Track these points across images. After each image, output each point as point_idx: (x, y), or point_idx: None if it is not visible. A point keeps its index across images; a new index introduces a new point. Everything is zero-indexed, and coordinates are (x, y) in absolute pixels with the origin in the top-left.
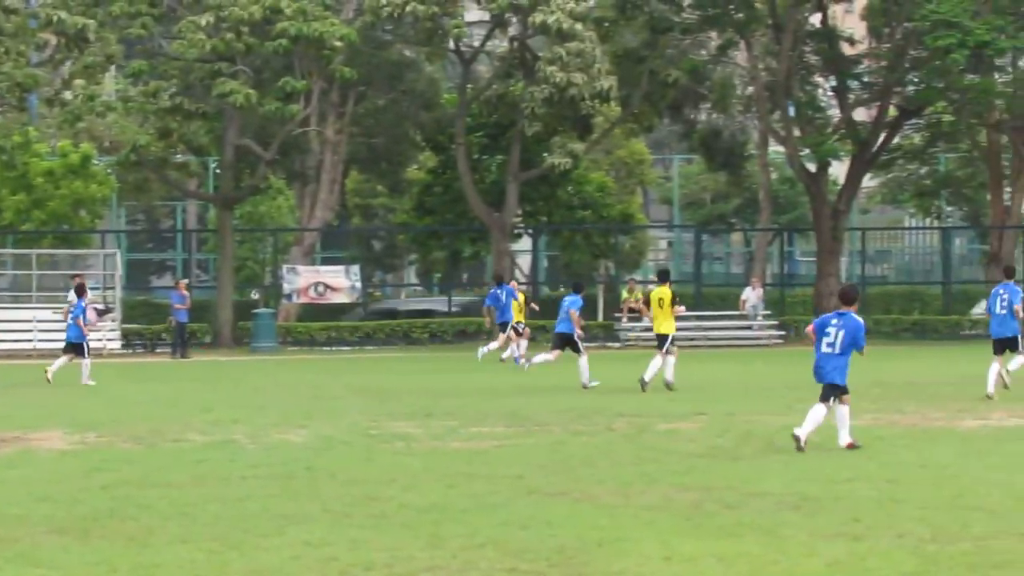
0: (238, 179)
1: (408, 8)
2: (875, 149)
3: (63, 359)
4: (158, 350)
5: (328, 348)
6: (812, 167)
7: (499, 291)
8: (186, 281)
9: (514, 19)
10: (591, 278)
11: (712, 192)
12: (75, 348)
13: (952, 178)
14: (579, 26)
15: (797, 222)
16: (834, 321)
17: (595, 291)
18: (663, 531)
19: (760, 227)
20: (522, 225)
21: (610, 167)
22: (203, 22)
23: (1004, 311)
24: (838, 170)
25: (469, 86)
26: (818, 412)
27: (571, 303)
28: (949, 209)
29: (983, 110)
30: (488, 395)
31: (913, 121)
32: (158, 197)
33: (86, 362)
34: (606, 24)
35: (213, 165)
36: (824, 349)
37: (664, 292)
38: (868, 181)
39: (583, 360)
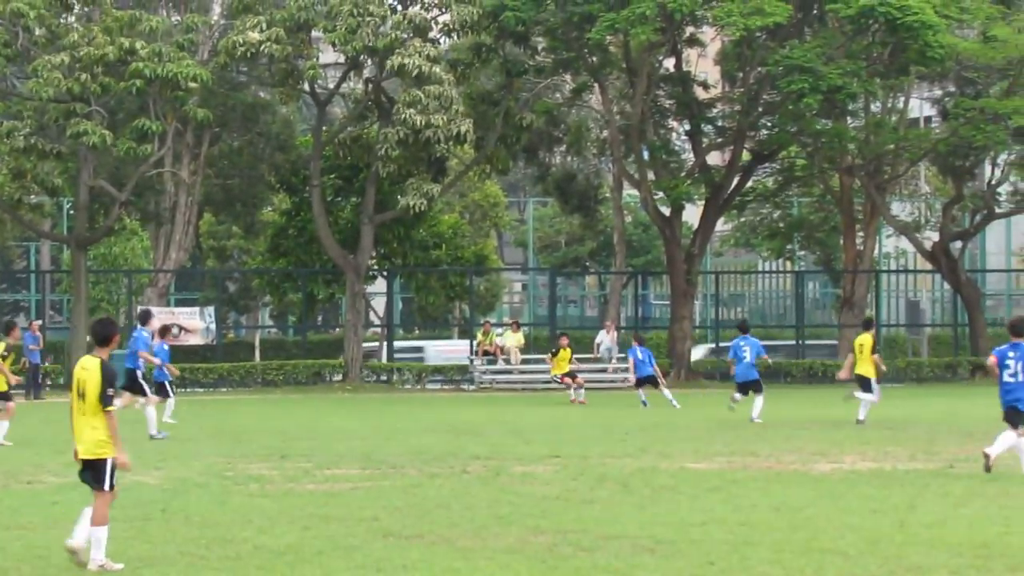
0: (92, 220)
1: (263, 49)
2: (729, 192)
3: None
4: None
5: (183, 390)
6: (666, 210)
7: None
8: (39, 322)
9: (369, 61)
10: (446, 320)
11: (567, 235)
12: None
13: (805, 222)
14: (437, 68)
15: (651, 265)
16: (1011, 353)
17: (450, 333)
18: (518, 574)
19: (615, 270)
20: (376, 267)
21: (464, 209)
22: (58, 61)
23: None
24: (692, 213)
25: (324, 128)
26: (1008, 438)
27: None
28: (802, 253)
29: (836, 154)
30: (343, 437)
31: (766, 165)
32: (11, 237)
33: None
34: (461, 67)
35: (67, 206)
36: (1007, 379)
37: (866, 339)
38: (722, 225)
39: None
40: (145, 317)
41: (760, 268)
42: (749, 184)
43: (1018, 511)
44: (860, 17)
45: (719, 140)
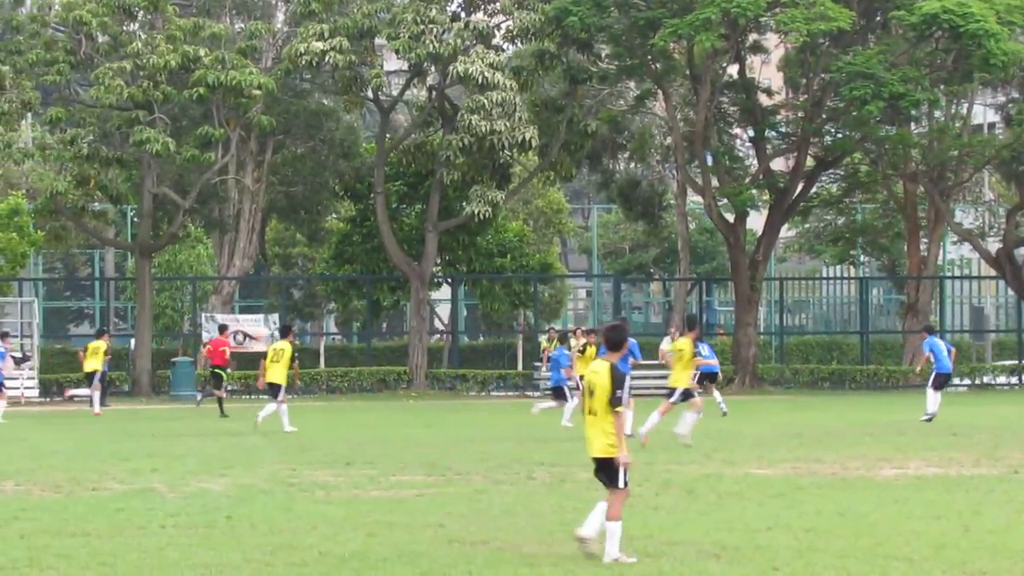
0: (156, 227)
1: (327, 58)
2: (793, 199)
3: None
4: (75, 398)
5: (248, 396)
6: (730, 217)
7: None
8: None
9: (433, 69)
10: (511, 327)
11: (631, 241)
12: None
13: (869, 228)
14: (499, 75)
15: (715, 272)
16: None
17: (515, 340)
18: None
19: (679, 276)
20: (441, 274)
21: (528, 216)
22: (120, 69)
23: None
24: (756, 220)
25: (388, 135)
26: None
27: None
28: (866, 259)
29: (899, 160)
30: (408, 444)
31: (830, 171)
32: (76, 245)
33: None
34: (524, 74)
35: (131, 213)
36: None
37: None
38: (786, 231)
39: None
40: None
41: (824, 274)
42: (813, 190)
43: None
44: (923, 25)
45: (783, 146)
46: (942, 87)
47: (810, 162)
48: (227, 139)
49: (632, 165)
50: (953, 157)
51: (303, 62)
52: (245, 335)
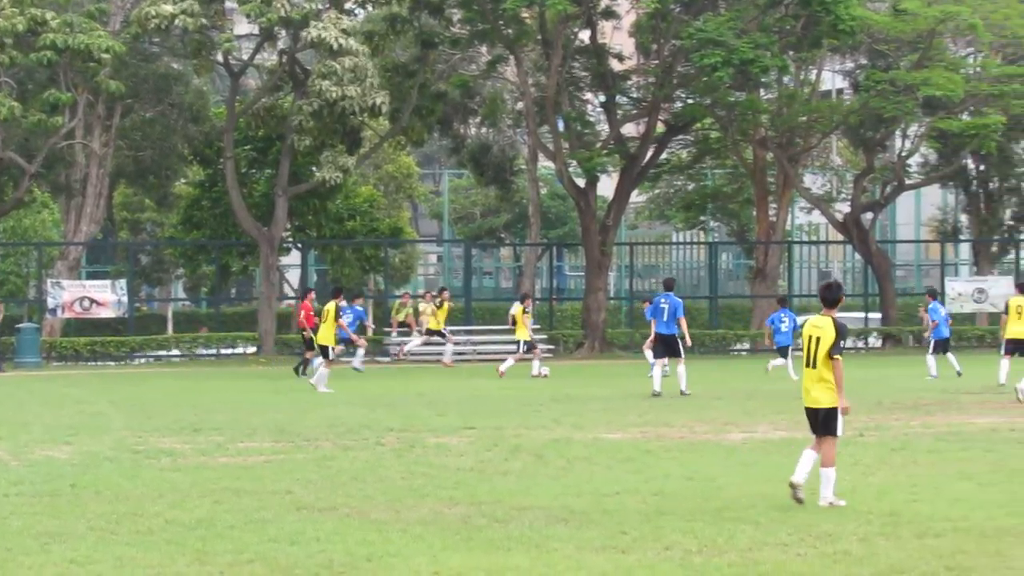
0: (1, 192)
1: (176, 21)
2: (643, 164)
3: None
4: None
5: (94, 363)
6: (581, 182)
7: None
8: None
9: (284, 33)
10: (361, 292)
11: (482, 207)
12: None
13: (719, 193)
14: (352, 41)
15: (566, 237)
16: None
17: (365, 306)
18: (432, 545)
19: (530, 242)
20: (291, 239)
21: (378, 181)
22: None
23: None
24: (607, 185)
25: (237, 99)
26: None
27: None
28: (716, 224)
29: (749, 126)
30: (256, 410)
31: (681, 137)
32: None
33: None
34: (376, 38)
35: None
36: None
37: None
38: (636, 196)
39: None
40: None
41: (674, 239)
42: (663, 156)
43: (925, 479)
44: None
45: (634, 112)
46: (791, 53)
47: (660, 128)
48: (74, 103)
49: (483, 130)
50: (802, 123)
51: (152, 25)
52: (92, 301)
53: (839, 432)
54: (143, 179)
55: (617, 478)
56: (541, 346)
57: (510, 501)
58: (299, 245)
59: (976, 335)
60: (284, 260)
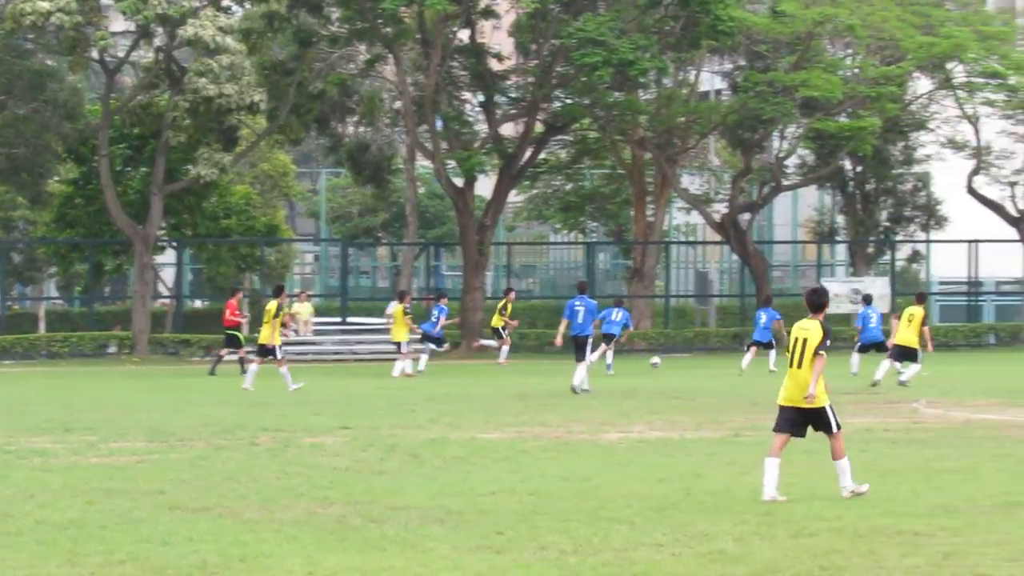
0: None
1: (52, 18)
2: (521, 164)
3: None
4: None
5: None
6: (459, 181)
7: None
8: None
9: (160, 30)
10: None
11: (359, 206)
12: None
13: (597, 194)
14: (229, 39)
15: (444, 236)
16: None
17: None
18: (307, 546)
19: (407, 241)
20: (166, 238)
21: (255, 180)
22: None
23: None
24: (485, 185)
25: (113, 97)
26: None
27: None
28: (594, 224)
29: (627, 127)
30: (129, 410)
31: (559, 137)
32: None
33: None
34: (253, 36)
35: None
36: None
37: (917, 311)
38: (514, 196)
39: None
40: None
41: (552, 239)
42: (542, 156)
43: (801, 479)
44: None
45: (513, 112)
46: (671, 54)
47: (539, 128)
48: None
49: (361, 129)
50: (680, 124)
51: (27, 22)
52: None
53: (834, 428)
54: (16, 176)
55: (493, 478)
56: (416, 346)
57: (386, 501)
58: (174, 244)
59: (852, 336)
60: (159, 259)
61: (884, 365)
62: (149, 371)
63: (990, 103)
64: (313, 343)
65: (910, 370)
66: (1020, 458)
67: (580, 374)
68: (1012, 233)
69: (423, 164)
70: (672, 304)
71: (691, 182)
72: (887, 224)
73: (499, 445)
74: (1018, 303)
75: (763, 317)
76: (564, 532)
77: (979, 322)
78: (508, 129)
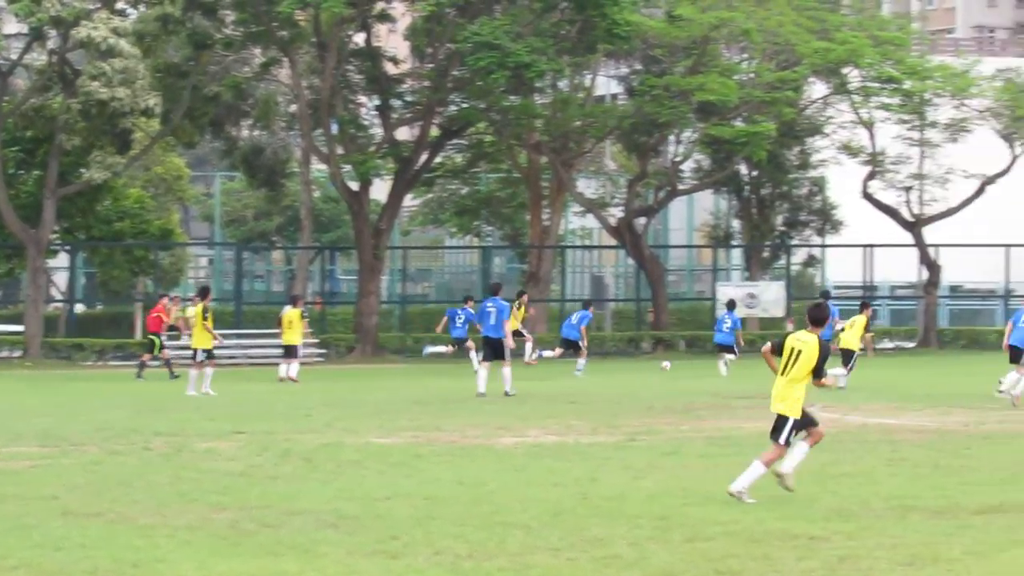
0: None
1: None
2: (417, 168)
3: None
4: None
5: None
6: (354, 185)
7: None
8: None
9: (54, 33)
10: (130, 295)
11: (254, 209)
12: None
13: (493, 198)
14: (123, 42)
15: (339, 240)
16: None
17: (133, 309)
18: (200, 551)
19: (302, 245)
20: (59, 241)
21: (148, 183)
22: None
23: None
24: (381, 189)
25: (5, 99)
26: None
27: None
28: (489, 228)
29: (523, 131)
30: (22, 414)
31: (455, 141)
32: None
33: None
34: (148, 39)
35: None
36: None
37: (860, 319)
38: (410, 200)
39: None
40: None
41: (448, 244)
42: (438, 160)
43: (695, 483)
44: None
45: (408, 115)
46: (567, 58)
47: (435, 132)
48: None
49: (256, 132)
50: (576, 128)
51: None
52: None
53: (781, 439)
54: None
55: (388, 482)
56: (314, 350)
57: (280, 506)
58: (67, 247)
59: (747, 339)
60: (52, 262)
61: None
62: (41, 375)
63: (885, 108)
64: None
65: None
66: (914, 462)
67: (489, 375)
68: (907, 237)
69: (318, 168)
70: (568, 308)
71: (587, 186)
72: (782, 228)
73: (394, 450)
74: (913, 307)
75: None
76: (459, 537)
77: (874, 326)
78: (404, 133)
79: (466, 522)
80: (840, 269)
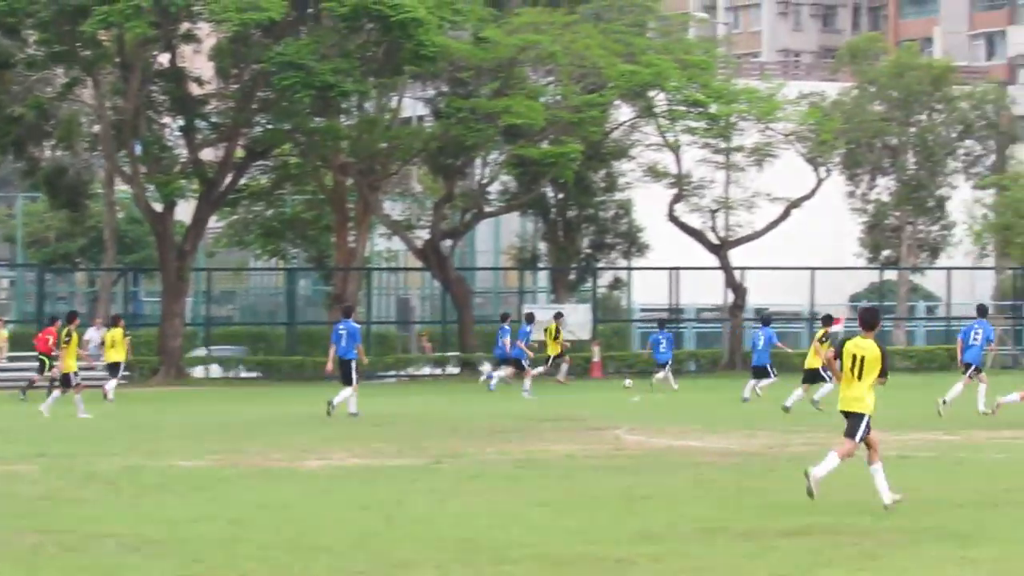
0: None
1: None
2: (222, 189)
3: None
4: None
5: None
6: (159, 207)
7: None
8: None
9: None
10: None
11: (56, 231)
12: None
13: (298, 220)
14: None
15: (144, 262)
16: None
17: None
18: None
19: (105, 267)
20: None
21: None
22: None
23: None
24: (186, 211)
25: None
26: None
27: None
28: (295, 250)
29: (329, 152)
30: None
31: (261, 162)
32: None
33: None
34: None
35: None
36: None
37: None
38: (215, 222)
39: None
40: None
41: (253, 265)
42: (243, 181)
43: (502, 506)
44: (353, 15)
45: (213, 136)
46: (373, 79)
47: (240, 153)
48: None
49: (59, 153)
50: (382, 150)
51: None
52: None
53: (856, 437)
54: None
55: (192, 506)
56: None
57: (83, 530)
58: None
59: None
60: None
61: (796, 393)
62: None
63: (691, 131)
64: (7, 369)
65: (822, 390)
66: (720, 484)
67: (343, 395)
68: (713, 260)
69: (122, 189)
70: (374, 330)
71: (393, 208)
72: (589, 251)
73: (197, 473)
74: (718, 330)
75: (663, 341)
76: (264, 560)
77: (680, 349)
78: (209, 154)
79: (271, 546)
80: (646, 292)
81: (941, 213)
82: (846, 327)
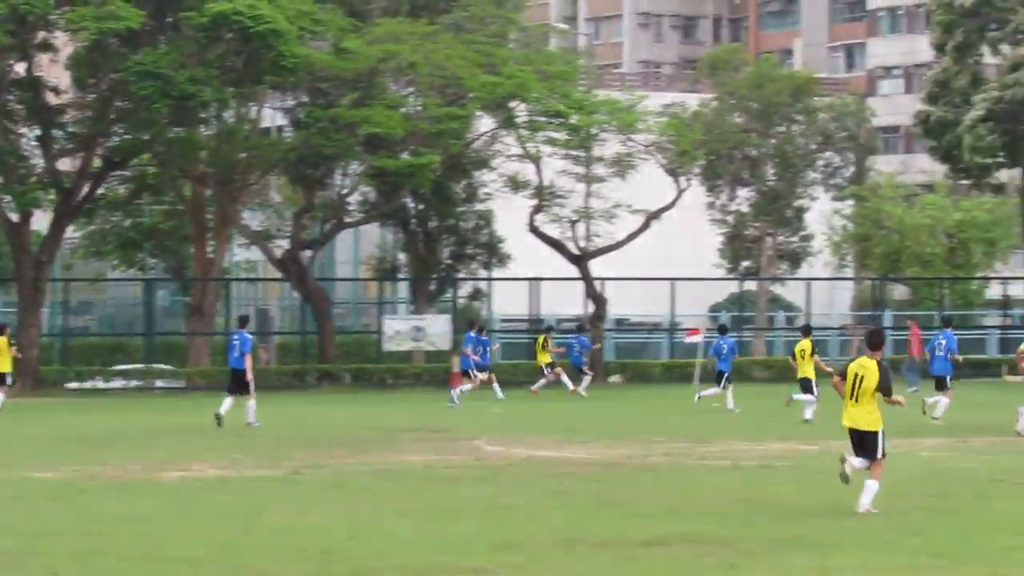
0: None
1: None
2: (79, 200)
3: None
4: None
5: None
6: (15, 217)
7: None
8: None
9: None
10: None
11: None
12: None
13: (156, 230)
14: None
15: None
16: None
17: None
18: None
19: None
20: None
21: None
22: None
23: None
24: (42, 220)
25: None
26: None
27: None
28: (153, 261)
29: (187, 163)
30: None
31: (118, 172)
32: None
33: None
34: None
35: None
36: None
37: (806, 344)
38: (72, 232)
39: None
40: None
41: (111, 276)
42: (100, 191)
43: (361, 518)
44: (212, 25)
45: (70, 146)
46: (232, 89)
47: (98, 162)
48: None
49: None
50: (241, 160)
51: None
52: None
53: (878, 454)
54: None
55: (48, 518)
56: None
57: None
58: None
59: (413, 373)
60: None
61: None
62: None
63: (552, 142)
64: None
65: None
66: (579, 495)
67: (228, 405)
68: (573, 271)
69: None
70: (224, 342)
71: (253, 218)
72: (449, 262)
73: (54, 484)
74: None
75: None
76: (122, 573)
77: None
78: (66, 164)
79: (129, 558)
80: (507, 302)
81: (800, 224)
82: (705, 337)
